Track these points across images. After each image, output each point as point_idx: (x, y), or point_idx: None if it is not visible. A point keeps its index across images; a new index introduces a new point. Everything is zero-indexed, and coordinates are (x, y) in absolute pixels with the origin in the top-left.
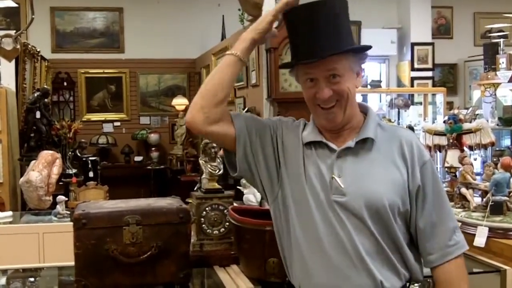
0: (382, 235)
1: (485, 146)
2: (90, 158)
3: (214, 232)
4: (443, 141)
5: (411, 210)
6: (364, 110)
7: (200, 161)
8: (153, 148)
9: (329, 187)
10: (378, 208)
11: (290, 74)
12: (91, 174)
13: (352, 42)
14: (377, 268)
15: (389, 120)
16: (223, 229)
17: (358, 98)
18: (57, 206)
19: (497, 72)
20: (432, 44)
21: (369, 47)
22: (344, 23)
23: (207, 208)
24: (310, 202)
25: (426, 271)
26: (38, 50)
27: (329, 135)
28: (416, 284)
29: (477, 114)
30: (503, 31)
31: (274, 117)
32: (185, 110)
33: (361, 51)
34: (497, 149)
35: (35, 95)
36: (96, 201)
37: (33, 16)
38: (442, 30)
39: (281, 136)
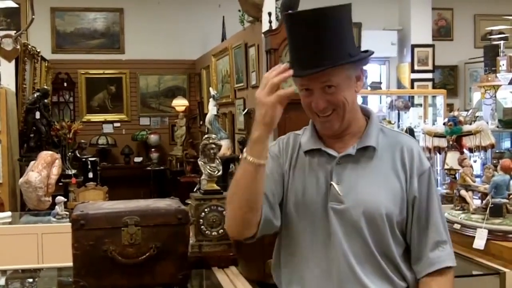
0: (376, 244)
1: (485, 148)
2: (90, 159)
3: (213, 233)
4: (443, 143)
5: (407, 219)
6: (367, 114)
7: (199, 162)
8: (153, 149)
9: (327, 194)
10: (376, 217)
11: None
12: (90, 175)
13: (350, 48)
14: (368, 277)
15: (389, 122)
16: (221, 230)
17: (358, 100)
18: (56, 206)
19: (498, 74)
20: (432, 46)
21: (368, 55)
22: (343, 30)
23: (205, 209)
24: (305, 209)
25: None
26: (38, 50)
27: (330, 139)
28: None
29: (477, 116)
30: (504, 33)
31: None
32: (185, 111)
33: (359, 61)
34: (497, 151)
35: (35, 95)
36: (95, 202)
37: (33, 17)
38: (443, 32)
39: (285, 159)
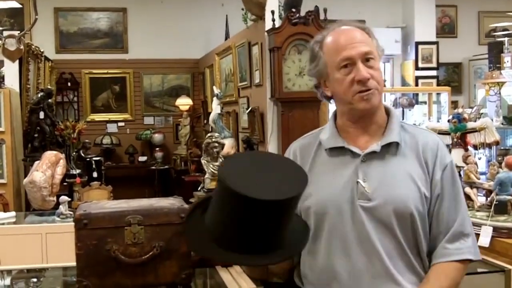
0: (407, 241)
1: (489, 145)
2: (94, 159)
3: None
4: (447, 140)
5: (432, 213)
6: (387, 111)
7: (203, 161)
8: (157, 148)
9: (353, 191)
10: (406, 215)
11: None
12: (95, 174)
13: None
14: (400, 273)
15: None
16: None
17: None
18: (60, 206)
19: (502, 71)
20: (436, 43)
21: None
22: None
23: None
24: (331, 208)
25: None
26: (41, 50)
27: (354, 132)
28: None
29: (482, 113)
30: (508, 30)
31: None
32: (189, 110)
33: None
34: (502, 148)
35: (39, 95)
36: (98, 202)
37: (36, 17)
38: (447, 29)
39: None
